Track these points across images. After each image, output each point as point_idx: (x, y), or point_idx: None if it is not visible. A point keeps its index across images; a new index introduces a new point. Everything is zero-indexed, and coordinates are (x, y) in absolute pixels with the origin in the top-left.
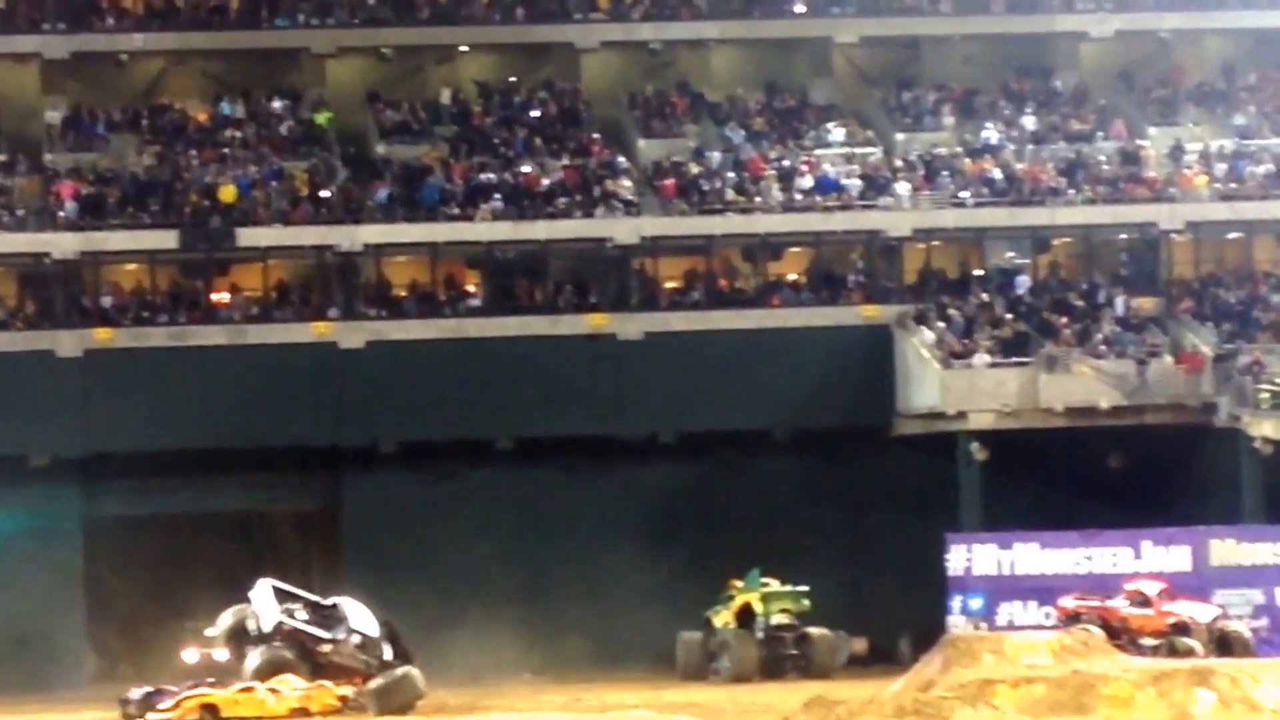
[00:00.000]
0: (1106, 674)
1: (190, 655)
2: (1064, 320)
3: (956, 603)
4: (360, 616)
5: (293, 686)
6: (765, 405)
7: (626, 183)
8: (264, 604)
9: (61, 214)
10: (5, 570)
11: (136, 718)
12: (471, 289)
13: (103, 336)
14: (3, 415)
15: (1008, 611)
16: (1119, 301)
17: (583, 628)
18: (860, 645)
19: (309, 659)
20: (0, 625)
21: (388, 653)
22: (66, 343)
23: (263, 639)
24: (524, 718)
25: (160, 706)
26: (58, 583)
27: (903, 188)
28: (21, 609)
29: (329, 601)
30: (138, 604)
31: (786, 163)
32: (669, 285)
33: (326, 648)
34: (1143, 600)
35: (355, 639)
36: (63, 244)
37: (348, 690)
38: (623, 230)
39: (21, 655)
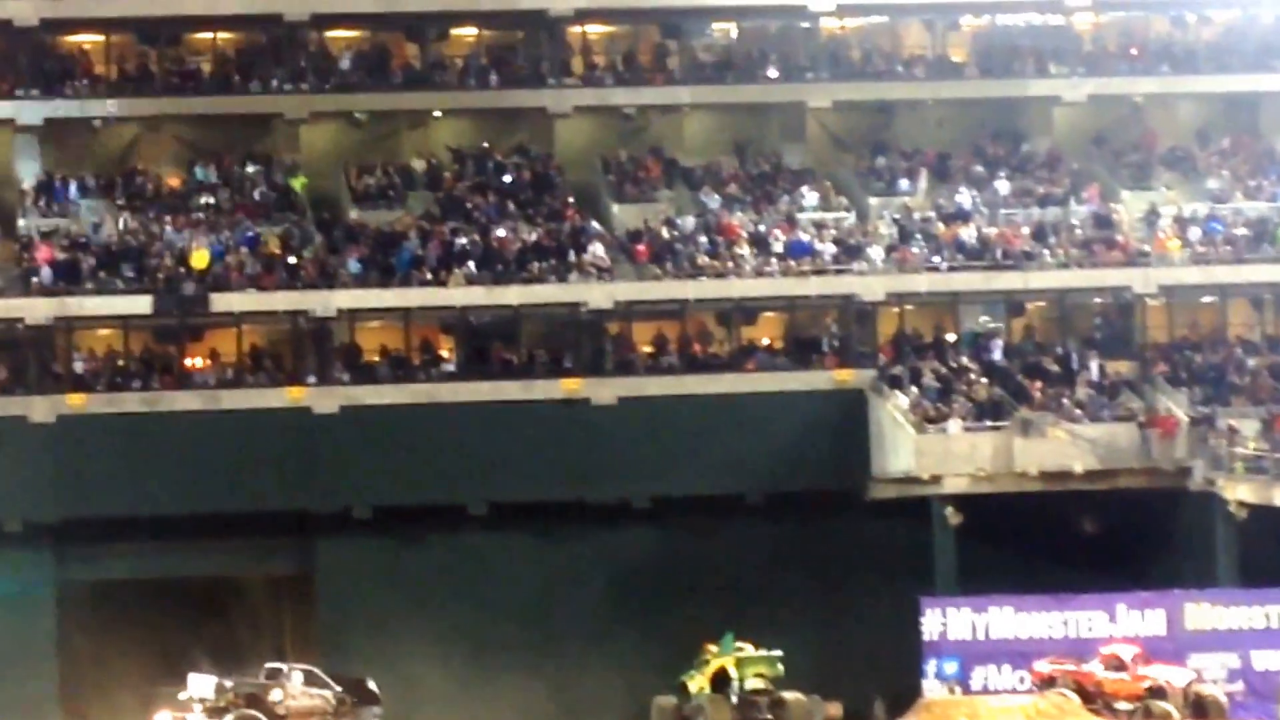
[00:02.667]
0: None
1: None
2: (1038, 384)
3: (931, 666)
4: (303, 671)
5: None
6: (739, 470)
7: (600, 247)
8: (204, 683)
9: (35, 279)
10: None
11: None
12: (445, 354)
13: (76, 402)
14: None
15: (982, 675)
16: (1093, 365)
17: (556, 692)
18: (835, 709)
19: (269, 713)
20: None
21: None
22: (40, 408)
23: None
24: None
25: None
26: (30, 648)
27: (876, 252)
28: None
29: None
30: (111, 668)
31: (760, 227)
32: (643, 350)
33: (277, 694)
34: (1118, 664)
35: (298, 677)
36: (36, 309)
37: None
38: (597, 295)
39: None
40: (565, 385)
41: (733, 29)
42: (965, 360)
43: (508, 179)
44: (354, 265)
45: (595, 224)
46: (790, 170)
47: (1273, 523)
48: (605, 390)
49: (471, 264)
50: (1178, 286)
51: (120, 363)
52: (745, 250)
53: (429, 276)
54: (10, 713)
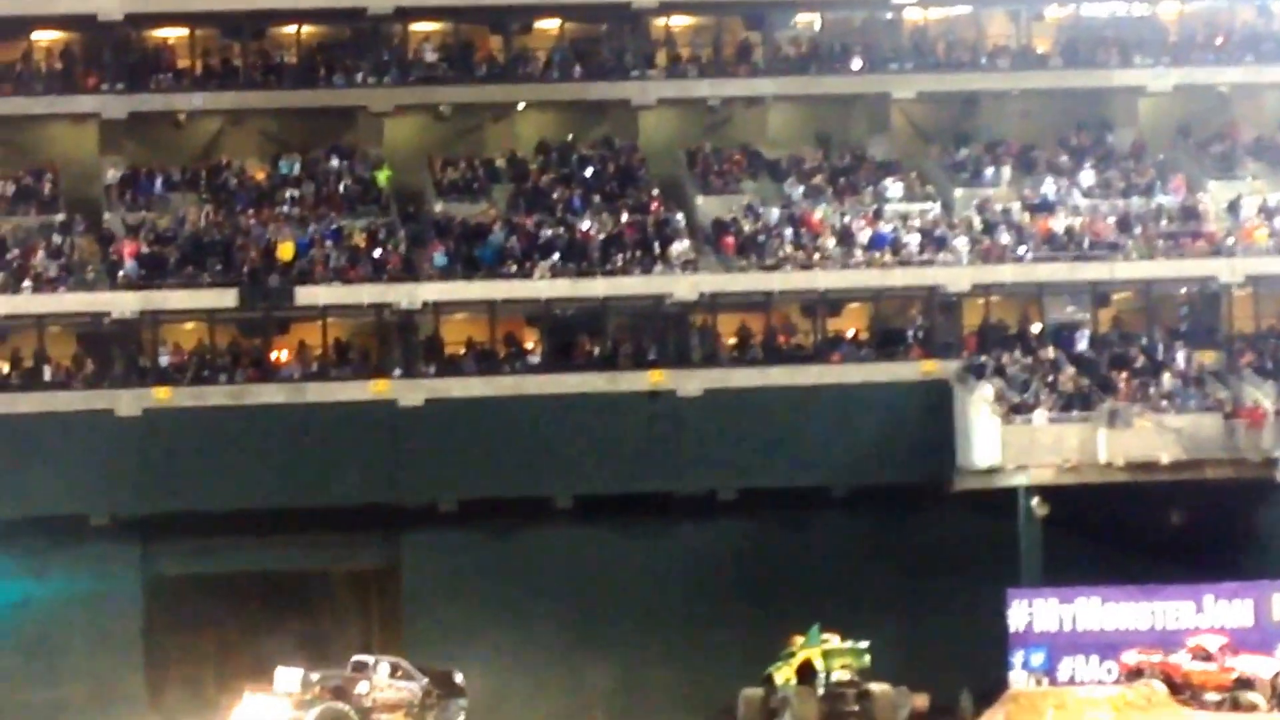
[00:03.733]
0: None
1: (245, 717)
2: (1124, 375)
3: (1018, 658)
4: (389, 663)
5: None
6: (824, 462)
7: (684, 240)
8: (290, 676)
9: (121, 273)
10: (66, 630)
11: None
12: (530, 346)
13: (162, 396)
14: (62, 475)
15: (1069, 666)
16: (1180, 356)
17: (644, 685)
18: (921, 701)
19: (356, 706)
20: (61, 686)
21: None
22: (126, 402)
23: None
24: None
25: None
26: (117, 642)
27: (961, 243)
28: (82, 669)
29: (355, 660)
30: (197, 663)
31: (845, 219)
32: (728, 341)
33: (363, 686)
34: (1205, 655)
35: (385, 670)
36: (122, 303)
37: None
38: (682, 287)
39: (82, 715)
40: (651, 377)
41: (816, 20)
42: (1051, 351)
43: (591, 171)
44: (439, 258)
45: (679, 216)
46: (874, 162)
47: None
48: (691, 382)
49: (556, 256)
50: (1264, 276)
51: (206, 356)
52: (830, 242)
53: (514, 269)
54: (98, 707)
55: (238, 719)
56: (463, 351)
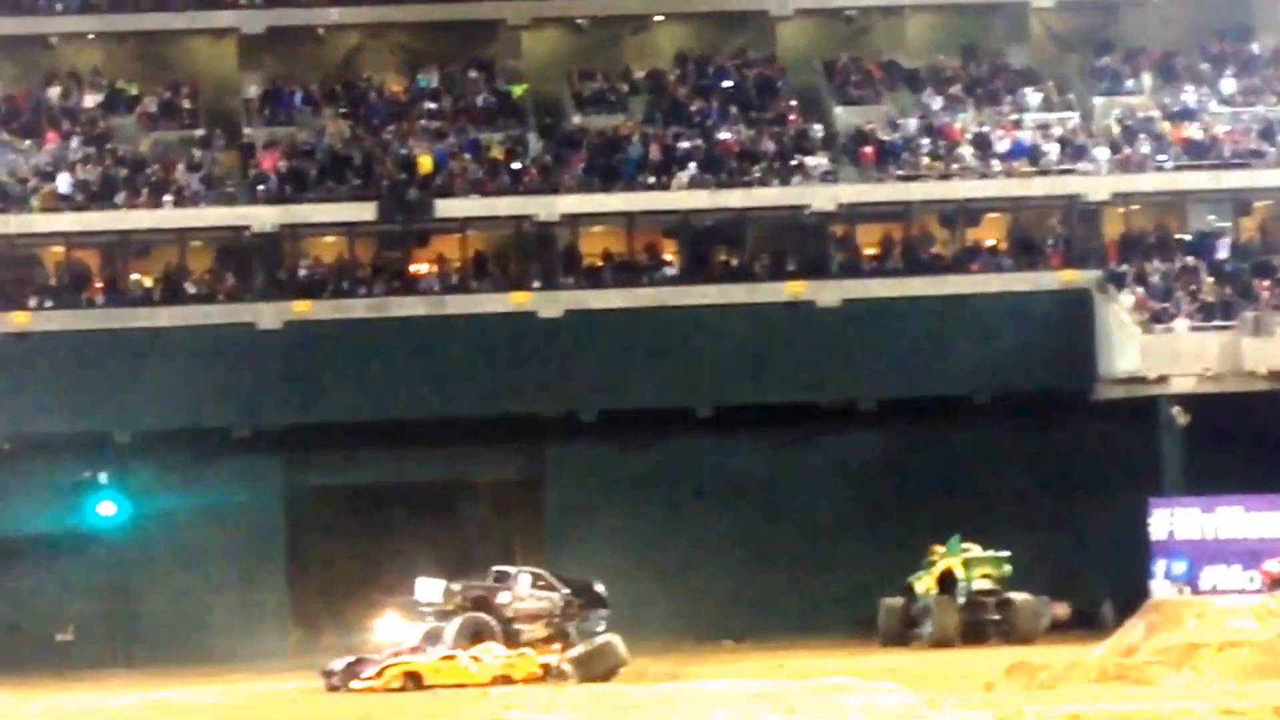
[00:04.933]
0: None
1: (386, 627)
2: (1266, 283)
3: (1159, 567)
4: (531, 574)
5: (494, 655)
6: (965, 371)
7: (822, 151)
8: (432, 586)
9: (261, 187)
10: (209, 542)
11: (339, 687)
12: (669, 258)
13: (302, 309)
14: (205, 388)
15: (1211, 576)
16: None
17: (783, 595)
18: (1062, 610)
19: (497, 616)
20: (205, 597)
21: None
22: (267, 315)
23: (447, 613)
24: (725, 685)
25: (363, 675)
26: (261, 554)
27: (1101, 152)
28: (226, 581)
29: (497, 571)
30: (340, 574)
31: (984, 128)
32: (867, 252)
33: (504, 596)
34: None
35: (526, 580)
36: (262, 217)
37: (550, 658)
38: (820, 197)
39: (226, 626)
40: (789, 288)
41: None
42: (1191, 260)
43: (729, 83)
44: (577, 170)
45: (818, 127)
46: (1013, 71)
47: None
48: (829, 293)
49: (694, 168)
50: None
51: (346, 269)
52: (968, 152)
53: (651, 181)
54: (244, 620)
55: (380, 631)
56: (601, 263)
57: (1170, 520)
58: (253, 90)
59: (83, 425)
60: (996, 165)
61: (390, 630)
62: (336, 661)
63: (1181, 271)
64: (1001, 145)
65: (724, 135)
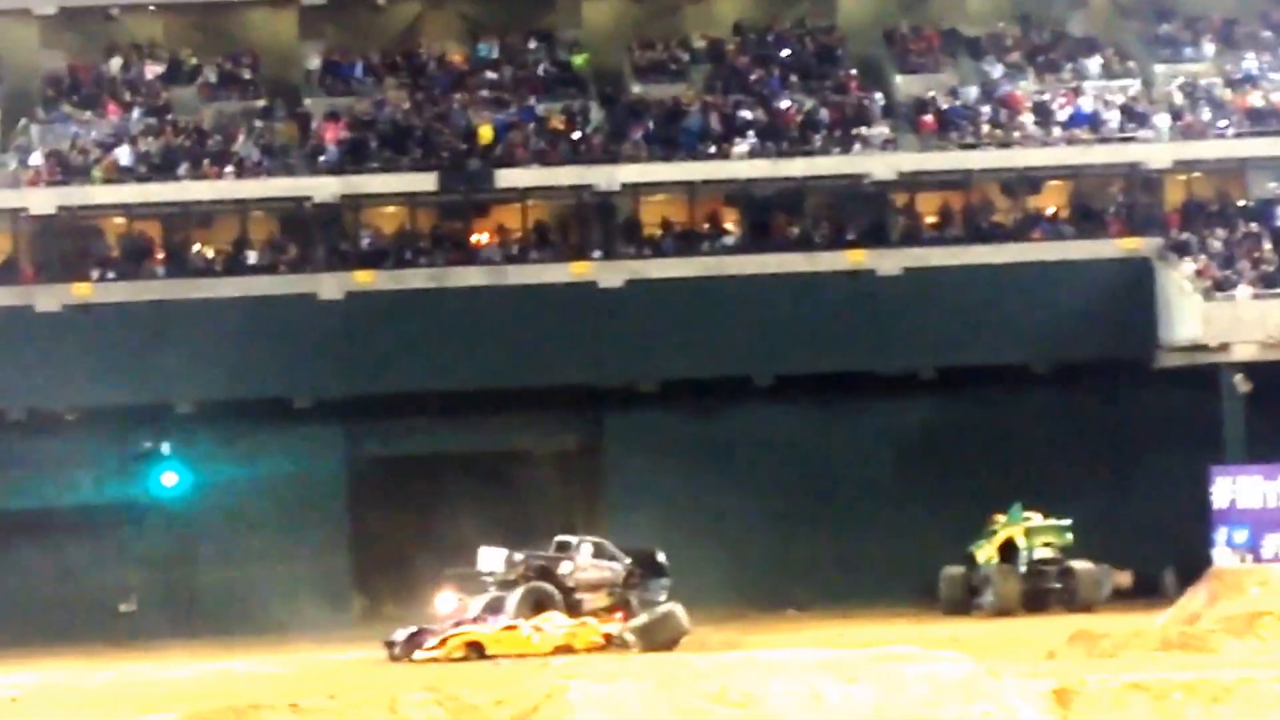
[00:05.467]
0: None
1: (446, 599)
2: None
3: (1221, 535)
4: (593, 543)
5: (557, 624)
6: (1025, 339)
7: (883, 120)
8: (494, 556)
9: (321, 158)
10: (271, 513)
11: (402, 657)
12: (729, 227)
13: (363, 279)
14: (266, 358)
15: (1274, 543)
16: None
17: (844, 564)
18: (1124, 578)
19: (559, 586)
20: (267, 567)
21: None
22: (328, 285)
23: (508, 582)
24: (787, 654)
25: (425, 645)
26: (323, 525)
27: (1162, 119)
28: (288, 551)
29: (558, 540)
30: (401, 544)
31: (1044, 96)
32: (927, 220)
33: (566, 566)
34: None
35: (588, 549)
36: (323, 187)
37: (612, 628)
38: (880, 166)
39: (289, 597)
40: (849, 257)
41: None
42: (1254, 227)
43: (789, 52)
44: (637, 139)
45: (878, 95)
46: (1074, 38)
47: None
48: (890, 261)
49: (754, 137)
50: None
51: (407, 239)
52: (1029, 120)
53: (712, 150)
54: (306, 590)
55: (442, 603)
56: (661, 233)
57: (1232, 488)
58: (313, 61)
59: (145, 396)
60: (1057, 133)
61: (449, 602)
62: (399, 632)
63: (1243, 239)
64: (1062, 113)
65: (784, 104)
